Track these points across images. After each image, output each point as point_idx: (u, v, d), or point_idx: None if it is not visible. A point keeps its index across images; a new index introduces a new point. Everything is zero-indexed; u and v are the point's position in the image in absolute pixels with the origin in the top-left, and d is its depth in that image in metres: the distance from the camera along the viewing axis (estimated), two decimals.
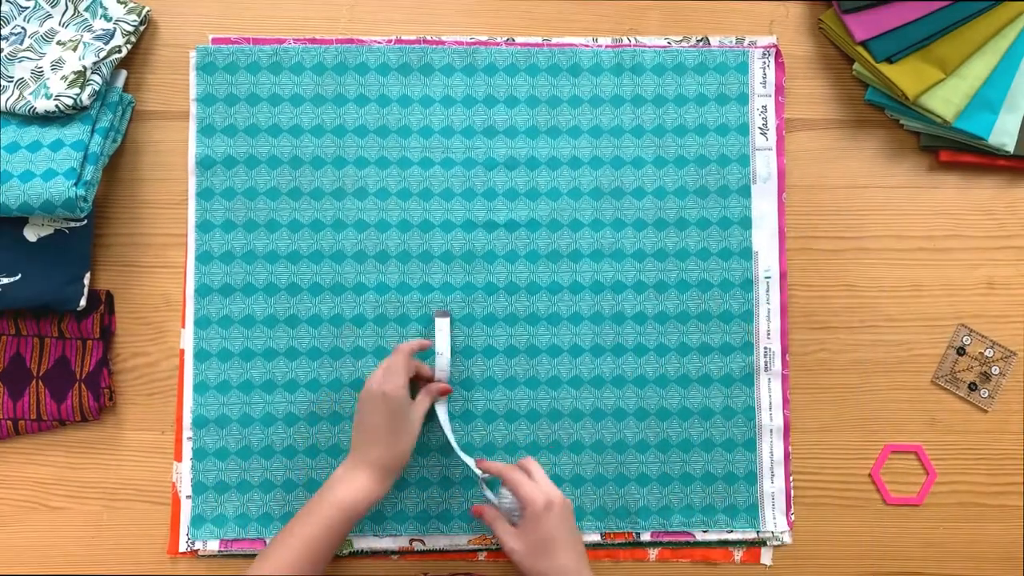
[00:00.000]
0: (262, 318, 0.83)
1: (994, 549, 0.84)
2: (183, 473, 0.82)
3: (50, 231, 0.80)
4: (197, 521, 0.81)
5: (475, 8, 0.87)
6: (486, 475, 0.77)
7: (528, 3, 0.87)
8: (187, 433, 0.82)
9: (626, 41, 0.87)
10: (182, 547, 0.82)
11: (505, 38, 0.86)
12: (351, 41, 0.86)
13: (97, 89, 0.79)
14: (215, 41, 0.86)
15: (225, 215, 0.83)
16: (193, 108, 0.84)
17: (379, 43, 0.86)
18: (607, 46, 0.86)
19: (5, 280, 0.79)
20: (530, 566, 0.71)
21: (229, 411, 0.82)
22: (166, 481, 0.83)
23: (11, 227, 0.80)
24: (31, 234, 0.80)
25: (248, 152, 0.84)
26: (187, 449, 0.82)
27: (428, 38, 0.86)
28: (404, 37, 0.86)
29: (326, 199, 0.84)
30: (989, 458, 0.85)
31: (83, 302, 0.80)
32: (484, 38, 0.86)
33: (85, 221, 0.81)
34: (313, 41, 0.85)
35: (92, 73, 0.79)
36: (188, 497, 0.82)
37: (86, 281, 0.81)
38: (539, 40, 0.86)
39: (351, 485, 0.73)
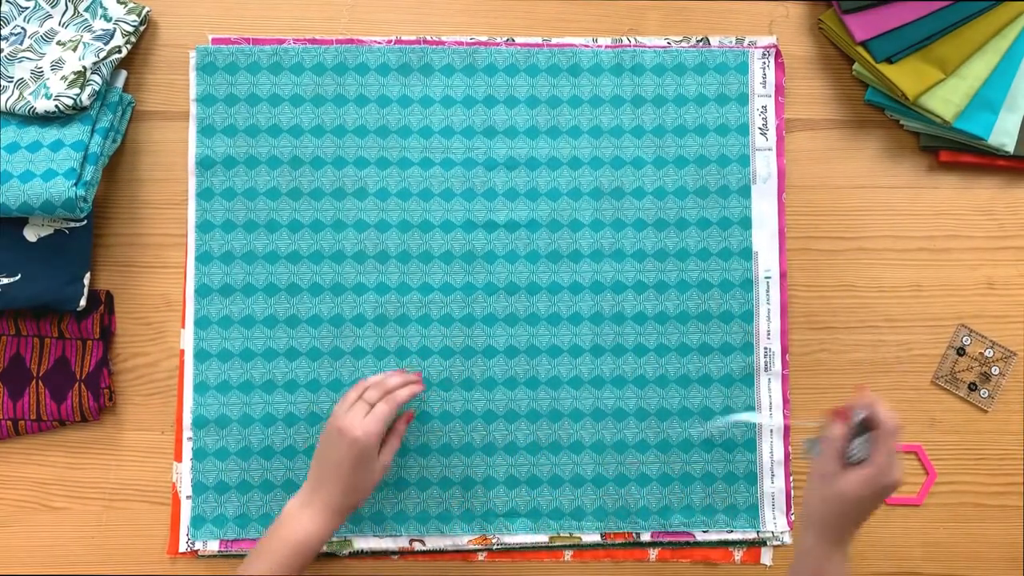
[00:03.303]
0: (262, 318, 0.83)
1: (994, 549, 0.84)
2: (183, 473, 0.82)
3: (50, 231, 0.80)
4: (197, 521, 0.81)
5: (475, 8, 0.87)
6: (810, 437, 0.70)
7: (528, 3, 0.87)
8: (187, 433, 0.82)
9: (626, 41, 0.87)
10: (182, 547, 0.82)
11: (505, 38, 0.86)
12: (351, 41, 0.85)
13: (97, 89, 0.79)
14: (215, 41, 0.86)
15: (225, 215, 0.83)
16: (193, 108, 0.84)
17: (379, 43, 0.86)
18: (607, 46, 0.86)
19: (5, 280, 0.79)
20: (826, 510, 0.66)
21: (229, 411, 0.82)
22: (166, 481, 0.83)
23: (11, 227, 0.80)
24: (31, 234, 0.80)
25: (248, 152, 0.84)
26: (187, 449, 0.82)
27: (428, 38, 0.86)
28: (404, 37, 0.86)
29: (326, 199, 0.84)
30: (989, 458, 0.85)
31: (83, 302, 0.80)
32: (484, 38, 0.86)
33: (85, 221, 0.81)
34: (313, 41, 0.85)
35: (92, 73, 0.79)
36: (188, 497, 0.82)
37: (86, 281, 0.81)
38: (539, 40, 0.86)
39: (306, 524, 0.71)
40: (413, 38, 0.86)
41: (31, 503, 0.83)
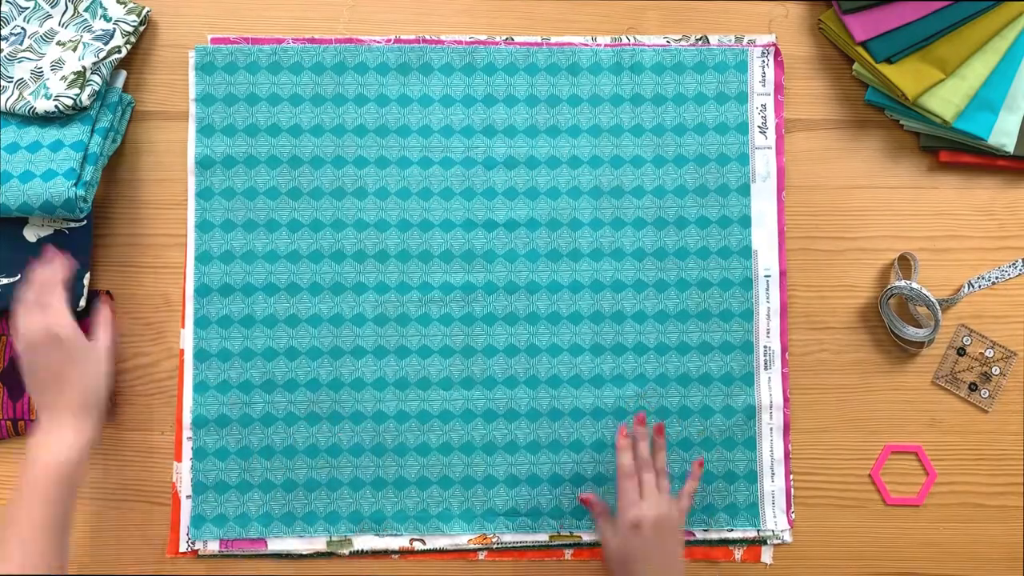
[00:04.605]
0: (262, 318, 0.83)
1: (994, 549, 0.84)
2: (183, 473, 0.82)
3: (50, 231, 0.80)
4: (197, 521, 0.81)
5: (474, 8, 0.87)
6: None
7: (527, 3, 0.87)
8: (187, 433, 0.82)
9: (625, 40, 0.87)
10: (182, 547, 0.82)
11: (504, 37, 0.86)
12: (350, 41, 0.86)
13: (97, 89, 0.79)
14: (214, 41, 0.86)
15: (224, 215, 0.83)
16: (192, 108, 0.84)
17: (378, 43, 0.86)
18: (606, 45, 0.86)
19: (5, 280, 0.79)
20: (612, 569, 0.73)
21: (229, 411, 0.82)
22: (166, 481, 0.83)
23: (11, 227, 0.80)
24: (31, 234, 0.80)
25: (247, 152, 0.84)
26: (187, 449, 0.82)
27: (427, 37, 0.86)
28: (403, 37, 0.86)
29: (325, 199, 0.84)
30: (989, 458, 0.85)
31: (83, 302, 0.80)
32: (483, 37, 0.86)
33: (85, 221, 0.81)
34: (312, 41, 0.85)
35: (92, 73, 0.79)
36: (188, 497, 0.82)
37: (86, 281, 0.81)
38: (538, 40, 0.86)
39: (56, 445, 0.67)
40: (412, 37, 0.86)
41: None
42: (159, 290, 0.84)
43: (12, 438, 0.82)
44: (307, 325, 0.83)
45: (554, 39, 0.86)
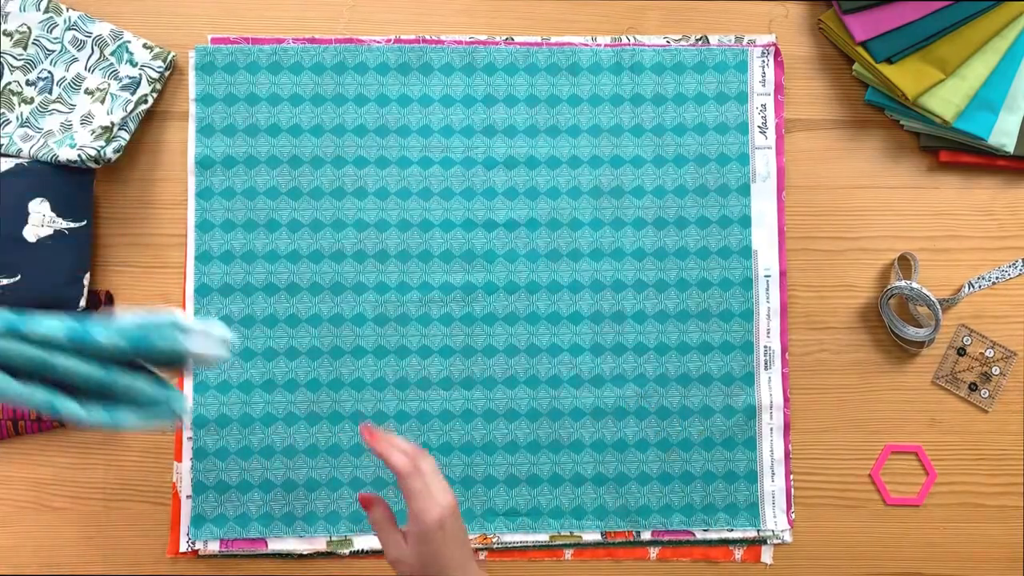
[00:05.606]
0: (262, 318, 0.83)
1: (994, 549, 0.84)
2: (183, 473, 0.82)
3: (49, 231, 0.80)
4: (197, 521, 0.81)
5: (474, 8, 0.87)
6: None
7: (527, 3, 0.87)
8: (187, 433, 0.82)
9: (625, 40, 0.87)
10: (182, 547, 0.82)
11: (504, 37, 0.86)
12: (350, 41, 0.86)
13: (123, 144, 0.80)
14: (214, 41, 0.86)
15: (225, 215, 0.83)
16: (192, 108, 0.84)
17: (378, 43, 0.86)
18: (606, 45, 0.86)
19: (5, 281, 0.79)
20: None
21: (229, 411, 0.82)
22: (166, 481, 0.83)
23: (10, 228, 0.80)
24: (30, 234, 0.80)
25: (247, 152, 0.84)
26: (187, 449, 0.82)
27: (427, 38, 0.86)
28: (403, 37, 0.86)
29: (325, 199, 0.84)
30: (989, 458, 0.85)
31: (83, 302, 0.80)
32: (483, 37, 0.86)
33: (85, 222, 0.81)
34: (312, 41, 0.85)
35: (119, 129, 0.80)
36: (188, 497, 0.82)
37: (86, 281, 0.81)
38: (538, 39, 0.86)
39: None
40: (412, 37, 0.86)
41: (31, 503, 0.82)
42: (159, 290, 0.84)
43: (12, 438, 0.82)
44: (307, 325, 0.83)
45: (554, 39, 0.86)
